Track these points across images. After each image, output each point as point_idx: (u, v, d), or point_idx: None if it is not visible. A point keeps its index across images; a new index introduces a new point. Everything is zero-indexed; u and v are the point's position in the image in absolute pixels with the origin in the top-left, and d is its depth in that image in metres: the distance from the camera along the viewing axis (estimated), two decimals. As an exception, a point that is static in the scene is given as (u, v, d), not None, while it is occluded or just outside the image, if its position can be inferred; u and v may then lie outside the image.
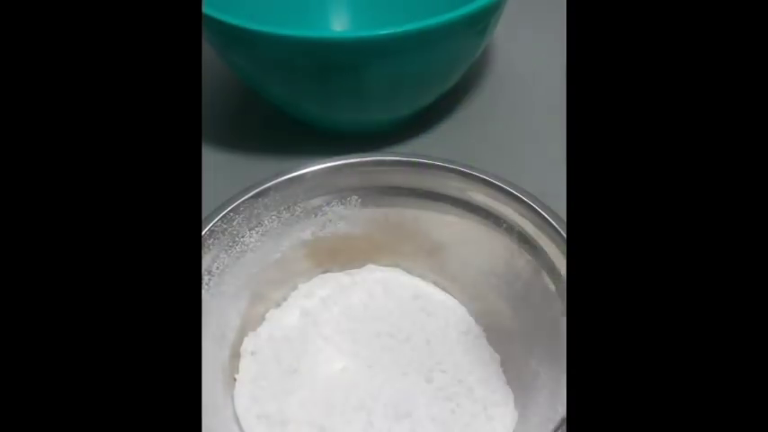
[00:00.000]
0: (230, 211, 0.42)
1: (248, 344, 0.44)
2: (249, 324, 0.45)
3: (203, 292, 0.40)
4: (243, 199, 0.42)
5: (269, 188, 0.43)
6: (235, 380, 0.42)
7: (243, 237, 0.43)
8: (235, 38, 0.52)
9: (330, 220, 0.46)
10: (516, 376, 0.43)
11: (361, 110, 0.59)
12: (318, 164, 0.44)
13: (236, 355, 0.43)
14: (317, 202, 0.45)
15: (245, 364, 0.43)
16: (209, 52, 0.53)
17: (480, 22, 0.54)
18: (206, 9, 0.50)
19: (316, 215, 0.45)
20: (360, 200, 0.45)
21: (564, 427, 0.33)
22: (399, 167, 0.44)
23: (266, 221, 0.44)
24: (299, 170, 0.44)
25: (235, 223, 0.42)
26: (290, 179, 0.43)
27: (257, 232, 0.44)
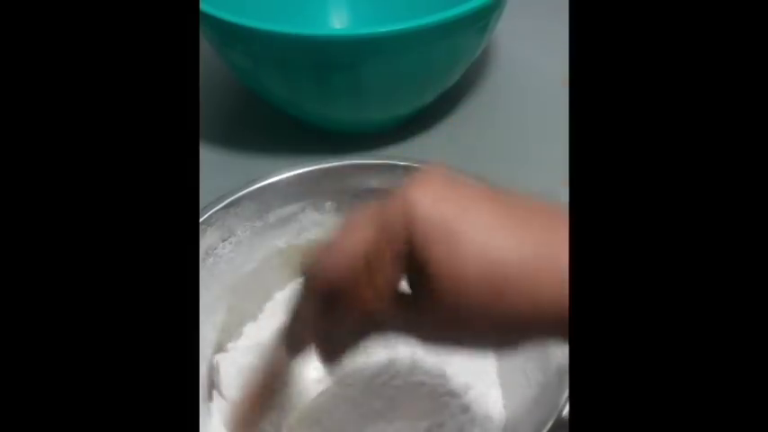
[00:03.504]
0: (202, 222, 0.41)
1: (225, 358, 0.43)
2: (226, 337, 0.44)
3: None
4: (214, 210, 0.41)
5: (240, 197, 0.42)
6: (211, 396, 0.42)
7: (215, 249, 0.42)
8: (232, 35, 0.52)
9: (304, 228, 0.45)
10: (507, 379, 0.42)
11: (360, 109, 0.58)
12: (290, 170, 0.43)
13: (212, 371, 0.42)
14: (290, 209, 0.44)
15: (221, 379, 0.42)
16: (207, 50, 0.53)
17: (480, 21, 0.53)
18: (204, 6, 0.50)
19: (290, 223, 0.44)
20: (335, 206, 0.44)
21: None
22: (374, 171, 0.43)
23: (239, 232, 0.43)
24: (270, 178, 0.43)
25: (207, 235, 0.41)
26: (261, 188, 0.42)
27: (230, 243, 0.43)
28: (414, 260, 0.25)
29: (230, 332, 0.44)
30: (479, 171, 0.43)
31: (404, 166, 0.43)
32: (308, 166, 0.43)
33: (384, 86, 0.54)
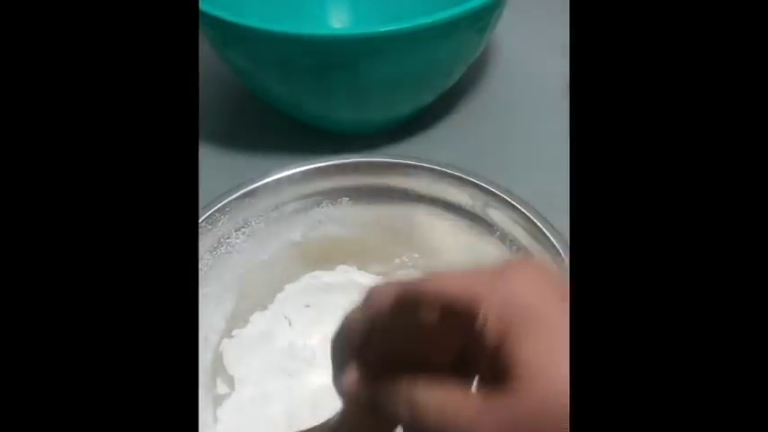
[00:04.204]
0: (215, 211, 0.41)
1: (231, 347, 0.43)
2: (233, 326, 0.44)
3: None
4: (229, 199, 0.41)
5: (256, 188, 0.42)
6: (215, 383, 0.42)
7: (229, 238, 0.42)
8: (232, 35, 0.52)
9: (320, 222, 0.45)
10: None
11: (360, 109, 0.58)
12: (308, 164, 0.43)
13: (217, 358, 0.43)
14: (306, 202, 0.44)
15: (227, 369, 0.43)
16: (207, 50, 0.52)
17: (480, 21, 0.53)
18: (204, 6, 0.49)
19: (306, 216, 0.44)
20: (351, 201, 0.45)
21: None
22: (391, 169, 0.44)
23: (253, 222, 0.43)
24: (287, 170, 0.43)
25: (220, 224, 0.41)
26: (278, 179, 0.42)
27: (244, 233, 0.43)
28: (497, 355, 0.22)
29: (238, 321, 0.44)
30: (479, 171, 0.44)
31: (421, 167, 0.43)
32: (325, 161, 0.43)
33: (384, 86, 0.54)
